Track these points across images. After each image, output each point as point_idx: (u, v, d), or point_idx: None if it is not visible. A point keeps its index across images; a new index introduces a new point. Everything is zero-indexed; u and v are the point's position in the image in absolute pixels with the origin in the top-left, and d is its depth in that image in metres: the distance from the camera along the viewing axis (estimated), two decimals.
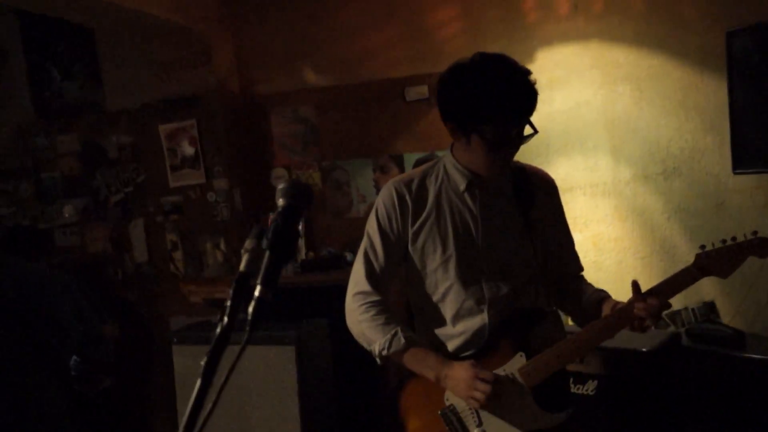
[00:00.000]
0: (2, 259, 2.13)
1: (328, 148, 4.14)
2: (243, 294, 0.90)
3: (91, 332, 2.19)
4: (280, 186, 1.02)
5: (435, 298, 1.90)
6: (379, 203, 1.93)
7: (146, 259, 4.25)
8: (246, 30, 4.21)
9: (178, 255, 4.17)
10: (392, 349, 1.82)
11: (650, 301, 1.70)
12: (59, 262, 4.25)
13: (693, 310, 3.27)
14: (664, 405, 2.76)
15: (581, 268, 2.05)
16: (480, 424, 1.77)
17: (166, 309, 4.22)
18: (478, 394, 1.72)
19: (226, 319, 0.89)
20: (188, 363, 3.25)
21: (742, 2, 3.26)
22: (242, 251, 0.95)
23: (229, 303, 0.90)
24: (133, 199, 4.25)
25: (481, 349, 1.84)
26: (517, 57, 3.97)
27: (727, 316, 3.25)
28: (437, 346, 1.89)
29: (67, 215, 4.36)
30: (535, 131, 1.79)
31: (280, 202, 0.99)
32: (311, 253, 4.05)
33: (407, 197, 1.89)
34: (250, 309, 0.90)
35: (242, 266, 0.93)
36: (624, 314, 1.73)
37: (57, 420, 2.02)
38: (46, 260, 3.81)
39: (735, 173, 3.08)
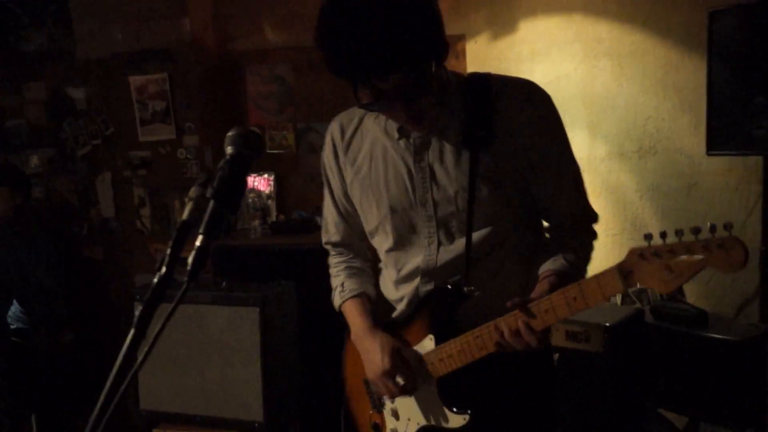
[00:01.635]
0: None
1: (303, 110, 4.07)
2: (183, 243, 0.86)
3: (34, 285, 2.13)
4: (229, 133, 0.97)
5: (382, 259, 1.69)
6: (324, 144, 1.69)
7: (113, 214, 4.17)
8: None
9: (145, 211, 4.09)
10: (336, 306, 1.74)
11: (505, 323, 1.37)
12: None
13: None
14: (624, 380, 2.78)
15: (574, 221, 1.56)
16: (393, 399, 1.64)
17: (130, 265, 4.16)
18: (382, 389, 1.58)
19: (164, 269, 0.85)
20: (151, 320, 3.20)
21: None
22: (186, 199, 0.90)
23: (168, 252, 0.85)
24: (102, 152, 4.15)
25: (404, 320, 1.63)
26: (499, 26, 3.93)
27: (692, 296, 3.28)
28: (387, 308, 1.71)
29: (33, 165, 4.25)
30: (426, 82, 1.33)
31: (228, 150, 0.94)
32: (281, 216, 4.00)
33: (340, 141, 1.63)
34: (190, 258, 0.86)
35: (185, 215, 0.89)
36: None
37: None
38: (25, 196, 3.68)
39: (708, 154, 3.07)
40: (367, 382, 1.69)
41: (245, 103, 4.13)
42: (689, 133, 3.34)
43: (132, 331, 0.80)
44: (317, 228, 3.91)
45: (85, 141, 4.16)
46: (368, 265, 1.80)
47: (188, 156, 3.97)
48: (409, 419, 1.61)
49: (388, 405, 1.65)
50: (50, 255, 3.62)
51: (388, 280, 1.70)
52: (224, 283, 3.13)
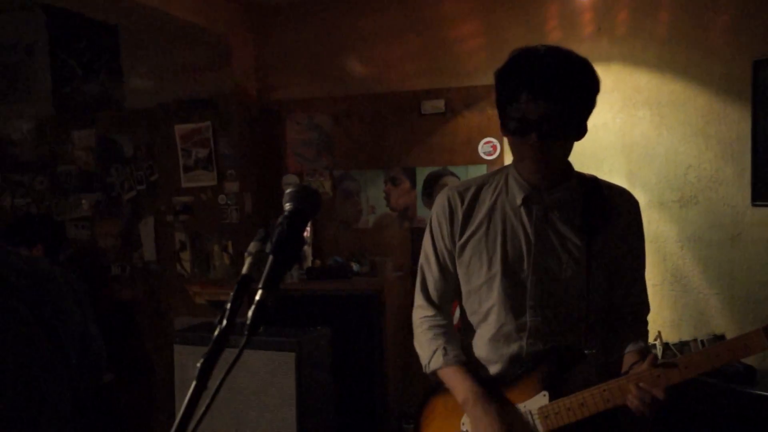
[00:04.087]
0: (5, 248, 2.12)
1: (340, 158, 4.13)
2: (243, 297, 0.88)
3: (89, 330, 2.17)
4: (288, 190, 0.99)
5: (478, 318, 1.81)
6: (432, 213, 1.85)
7: (154, 257, 4.25)
8: (266, 36, 4.22)
9: (185, 255, 4.16)
10: (431, 366, 1.80)
11: (642, 387, 1.54)
12: (69, 255, 4.25)
13: (702, 342, 3.21)
14: None
15: (639, 310, 1.82)
16: None
17: (170, 308, 4.22)
18: None
19: (224, 321, 0.87)
20: (189, 363, 3.23)
21: None
22: (245, 254, 0.93)
23: (228, 305, 0.88)
24: (145, 197, 4.26)
25: (510, 379, 1.74)
26: None
27: None
28: (478, 368, 1.80)
29: (85, 208, 4.39)
30: (569, 130, 1.61)
31: (287, 206, 0.97)
32: (317, 261, 4.03)
33: (459, 208, 1.79)
34: (250, 312, 0.88)
35: (245, 269, 0.91)
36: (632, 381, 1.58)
37: (64, 416, 1.99)
38: (58, 250, 3.81)
39: (753, 205, 3.03)
40: None
41: (284, 151, 4.21)
42: (732, 183, 3.30)
43: (194, 383, 0.82)
44: (353, 274, 3.96)
45: (130, 186, 4.28)
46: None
47: (228, 202, 4.05)
48: None
49: None
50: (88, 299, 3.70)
51: (480, 339, 1.82)
52: (261, 328, 3.16)
